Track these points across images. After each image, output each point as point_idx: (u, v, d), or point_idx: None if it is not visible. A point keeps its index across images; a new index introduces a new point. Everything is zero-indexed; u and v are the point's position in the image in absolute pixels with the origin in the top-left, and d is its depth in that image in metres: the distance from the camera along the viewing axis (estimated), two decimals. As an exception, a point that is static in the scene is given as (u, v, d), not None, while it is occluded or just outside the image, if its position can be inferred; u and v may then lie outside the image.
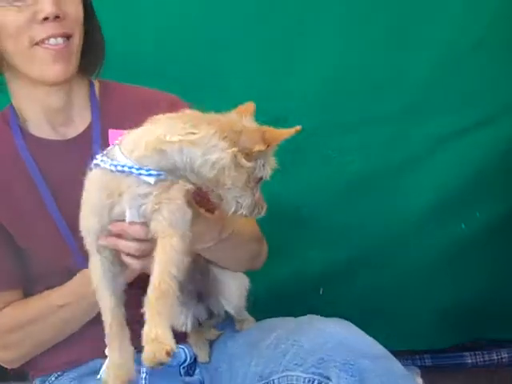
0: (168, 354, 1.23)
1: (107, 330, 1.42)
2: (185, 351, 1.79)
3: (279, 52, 2.34)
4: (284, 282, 2.49)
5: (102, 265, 1.41)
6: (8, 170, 1.73)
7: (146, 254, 1.36)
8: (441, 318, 2.63)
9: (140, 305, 1.27)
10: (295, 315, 2.05)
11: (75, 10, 1.65)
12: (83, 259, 1.61)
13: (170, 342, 1.24)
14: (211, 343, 1.83)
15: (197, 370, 1.81)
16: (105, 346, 1.64)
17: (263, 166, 1.41)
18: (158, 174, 1.31)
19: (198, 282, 1.69)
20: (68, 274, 1.69)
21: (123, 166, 1.31)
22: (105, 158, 1.35)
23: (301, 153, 2.36)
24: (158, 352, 1.23)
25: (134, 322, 1.34)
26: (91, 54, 1.77)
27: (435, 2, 2.36)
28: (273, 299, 2.38)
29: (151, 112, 1.73)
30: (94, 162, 1.37)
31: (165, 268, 1.29)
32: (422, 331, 2.66)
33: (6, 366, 1.86)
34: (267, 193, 2.24)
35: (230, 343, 1.77)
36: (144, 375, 1.65)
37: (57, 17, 1.59)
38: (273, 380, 1.56)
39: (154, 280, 1.29)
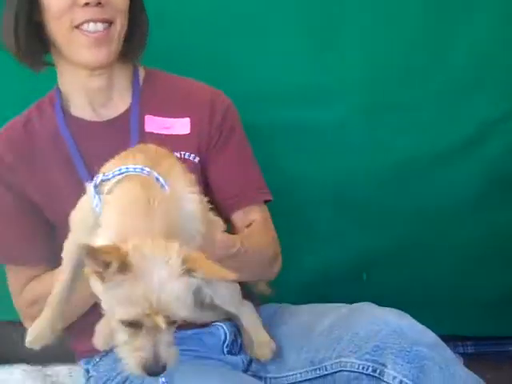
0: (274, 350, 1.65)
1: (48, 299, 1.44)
2: (224, 329, 1.79)
3: (323, 29, 2.26)
4: (328, 267, 2.46)
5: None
6: (48, 148, 1.78)
7: None
8: (486, 305, 2.56)
9: None
10: (338, 300, 2.04)
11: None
12: None
13: (272, 341, 1.69)
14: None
15: (242, 350, 1.81)
16: None
17: None
18: None
19: None
20: None
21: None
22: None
23: (347, 134, 2.33)
24: (266, 352, 1.72)
25: None
26: (134, 41, 1.80)
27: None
28: (317, 284, 2.42)
29: (190, 104, 1.79)
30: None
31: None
32: (466, 317, 2.60)
33: None
34: (311, 175, 2.33)
35: (282, 328, 1.79)
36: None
37: (99, 3, 1.64)
38: (325, 366, 1.60)
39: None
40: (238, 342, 1.81)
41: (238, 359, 1.78)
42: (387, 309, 1.63)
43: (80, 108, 1.82)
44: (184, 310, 1.20)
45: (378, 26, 2.25)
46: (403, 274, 2.47)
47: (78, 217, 1.43)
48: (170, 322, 1.20)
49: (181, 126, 1.82)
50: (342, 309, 1.71)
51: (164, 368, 1.20)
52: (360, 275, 2.51)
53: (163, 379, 1.47)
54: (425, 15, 2.28)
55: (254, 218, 1.85)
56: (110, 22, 1.68)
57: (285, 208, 1.96)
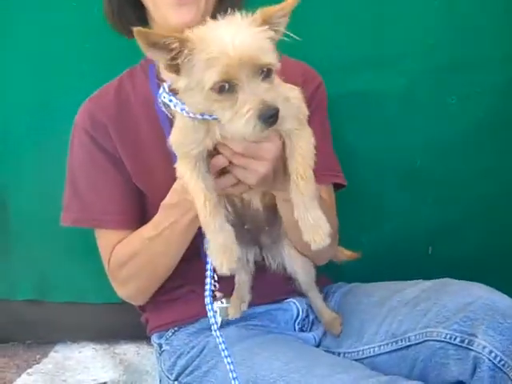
0: (329, 235, 1.34)
1: (202, 216, 1.37)
2: (296, 305, 1.78)
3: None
4: (393, 239, 2.40)
5: (196, 167, 1.39)
6: (139, 112, 1.78)
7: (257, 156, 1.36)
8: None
9: None
10: (403, 273, 2.00)
11: None
12: None
13: (327, 226, 1.34)
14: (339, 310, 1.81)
15: (314, 327, 1.80)
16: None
17: None
18: None
19: (261, 229, 1.65)
20: None
21: None
22: None
23: (414, 100, 2.26)
24: (318, 237, 1.33)
25: None
26: (228, 2, 1.68)
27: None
28: (381, 256, 2.32)
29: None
30: None
31: (307, 161, 1.36)
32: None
33: (132, 303, 1.91)
34: (377, 146, 2.25)
35: (359, 307, 1.75)
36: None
37: None
38: (408, 337, 1.57)
39: (298, 169, 1.35)
40: (309, 319, 1.80)
41: (310, 336, 1.77)
42: (474, 283, 1.59)
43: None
44: (269, 54, 1.20)
45: None
46: (468, 247, 2.41)
47: (176, 138, 1.41)
48: (261, 70, 1.19)
49: None
50: (423, 283, 1.68)
51: (275, 110, 1.18)
52: (426, 249, 2.46)
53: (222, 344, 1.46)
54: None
55: None
56: None
57: (349, 182, 1.91)
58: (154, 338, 1.88)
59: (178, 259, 1.73)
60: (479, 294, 1.50)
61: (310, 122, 1.77)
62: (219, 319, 1.69)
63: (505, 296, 1.52)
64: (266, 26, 1.22)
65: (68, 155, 1.83)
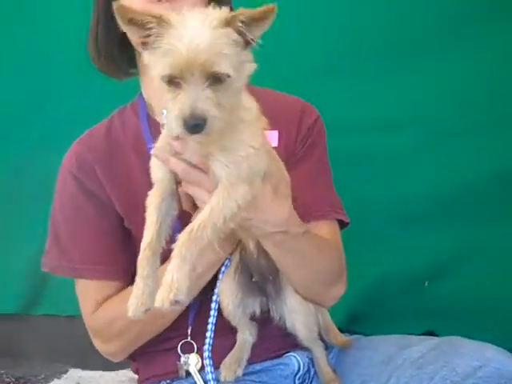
0: (174, 303, 1.20)
1: (139, 256, 1.34)
2: (297, 359, 1.71)
3: (390, 69, 2.46)
4: (390, 275, 2.52)
5: (161, 191, 1.38)
6: (130, 153, 1.72)
7: (194, 182, 1.32)
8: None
9: None
10: (401, 305, 2.25)
11: None
12: None
13: (182, 291, 1.21)
14: (340, 363, 1.74)
15: (314, 382, 1.72)
16: (219, 358, 1.62)
17: None
18: None
19: (266, 279, 1.60)
20: None
21: None
22: None
23: (417, 159, 2.49)
24: (166, 297, 1.20)
25: None
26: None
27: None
28: (380, 291, 2.50)
29: (280, 118, 1.69)
30: None
31: (211, 216, 1.26)
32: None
33: (111, 359, 1.82)
34: (378, 196, 2.45)
35: (362, 362, 1.67)
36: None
37: None
38: None
39: (193, 222, 1.26)
40: (310, 374, 1.73)
41: None
42: (484, 343, 1.51)
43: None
44: (223, 62, 1.16)
45: (441, 68, 2.45)
46: (462, 281, 2.53)
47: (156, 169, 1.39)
48: (210, 76, 1.15)
49: (269, 138, 1.76)
50: (431, 340, 1.59)
51: (202, 120, 1.14)
52: (423, 283, 2.56)
53: None
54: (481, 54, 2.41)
55: (321, 234, 1.73)
56: None
57: (353, 224, 1.89)
58: (146, 389, 1.78)
59: (175, 316, 1.65)
60: (489, 356, 1.43)
61: (306, 159, 1.76)
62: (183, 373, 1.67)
63: None
64: (231, 28, 1.18)
65: (54, 198, 1.76)
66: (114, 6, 1.19)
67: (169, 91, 1.19)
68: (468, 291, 2.50)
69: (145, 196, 1.61)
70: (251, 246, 1.52)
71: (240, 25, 1.18)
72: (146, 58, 1.23)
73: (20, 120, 2.83)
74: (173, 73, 1.17)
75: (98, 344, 1.75)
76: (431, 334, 2.42)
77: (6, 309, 2.87)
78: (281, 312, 1.62)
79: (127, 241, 1.69)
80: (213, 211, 1.26)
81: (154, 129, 1.70)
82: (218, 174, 1.28)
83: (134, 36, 1.23)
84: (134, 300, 1.32)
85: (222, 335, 1.60)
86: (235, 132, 1.28)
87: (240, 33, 1.19)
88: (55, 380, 2.77)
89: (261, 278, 1.58)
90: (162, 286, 1.22)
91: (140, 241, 1.60)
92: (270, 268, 1.57)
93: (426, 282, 2.54)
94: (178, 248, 1.24)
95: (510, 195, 2.44)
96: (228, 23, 1.18)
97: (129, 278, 1.63)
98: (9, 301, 2.86)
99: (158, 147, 1.36)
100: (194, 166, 1.31)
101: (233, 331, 1.65)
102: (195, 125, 1.15)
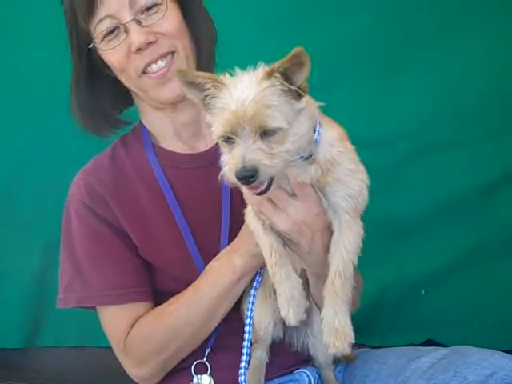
0: (350, 345, 1.30)
1: (269, 267, 1.40)
2: (307, 374, 1.70)
3: (377, 86, 2.53)
4: (387, 286, 2.58)
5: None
6: (136, 180, 1.72)
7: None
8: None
9: None
10: (400, 315, 2.31)
11: (171, 25, 1.60)
12: None
13: (351, 335, 1.31)
14: (347, 377, 1.73)
15: None
16: (232, 377, 1.59)
17: None
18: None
19: None
20: None
21: None
22: None
23: (403, 173, 2.59)
24: (340, 343, 1.29)
25: None
26: (202, 51, 1.70)
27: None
28: (378, 302, 2.54)
29: None
30: None
31: (350, 257, 1.33)
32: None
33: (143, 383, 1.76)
34: (369, 211, 2.49)
35: (372, 376, 1.66)
36: None
37: (150, 43, 1.57)
38: None
39: (338, 266, 1.32)
40: None
41: None
42: (494, 351, 1.49)
43: (168, 141, 1.75)
44: (271, 114, 1.20)
45: (426, 84, 2.54)
46: (457, 288, 2.61)
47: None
48: (263, 131, 1.20)
49: None
50: (439, 350, 1.57)
51: (254, 170, 1.18)
52: (420, 291, 2.62)
53: None
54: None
55: None
56: (172, 52, 1.61)
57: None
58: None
59: (212, 328, 1.63)
60: (500, 364, 1.41)
61: None
62: None
63: None
64: (276, 79, 1.23)
65: (63, 231, 1.72)
66: (176, 72, 1.30)
67: (223, 147, 1.25)
68: (464, 297, 2.56)
69: (157, 225, 1.67)
70: (297, 272, 1.50)
71: (279, 76, 1.22)
72: (208, 118, 1.30)
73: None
74: (225, 130, 1.22)
75: (129, 368, 1.70)
76: (432, 342, 2.48)
77: (7, 343, 2.82)
78: (303, 337, 1.63)
79: (147, 264, 1.69)
80: (348, 251, 1.34)
81: (160, 158, 1.73)
82: (338, 203, 1.34)
83: (193, 97, 1.30)
84: (288, 306, 1.36)
85: (231, 352, 1.60)
86: (339, 163, 1.34)
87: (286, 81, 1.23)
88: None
89: None
90: (330, 333, 1.31)
91: (159, 268, 1.66)
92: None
93: (424, 291, 2.60)
94: (332, 293, 1.31)
95: (497, 204, 2.55)
96: (270, 75, 1.22)
97: (154, 298, 1.67)
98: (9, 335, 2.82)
99: None
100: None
101: (238, 348, 1.61)
102: (247, 176, 1.19)
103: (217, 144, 1.68)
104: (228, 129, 1.22)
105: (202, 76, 1.27)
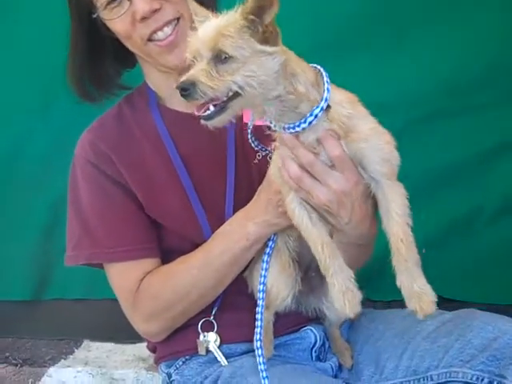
0: (435, 305, 1.31)
1: (322, 261, 1.39)
2: (313, 332, 1.74)
3: (381, 52, 2.55)
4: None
5: (296, 200, 1.42)
6: (141, 138, 1.73)
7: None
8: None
9: None
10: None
11: None
12: (211, 233, 1.65)
13: (433, 293, 1.32)
14: (353, 335, 1.78)
15: (329, 355, 1.76)
16: (238, 334, 1.68)
17: None
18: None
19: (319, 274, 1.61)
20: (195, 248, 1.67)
21: None
22: None
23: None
24: (425, 305, 1.30)
25: None
26: None
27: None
28: (384, 255, 2.49)
29: None
30: None
31: (404, 220, 1.35)
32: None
33: (151, 340, 1.83)
34: None
35: (376, 335, 1.71)
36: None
37: (155, 10, 1.57)
38: (431, 375, 1.49)
39: (398, 232, 1.34)
40: (325, 347, 1.77)
41: (327, 365, 1.72)
42: (498, 315, 1.52)
43: (175, 101, 1.75)
44: (225, 43, 1.23)
45: (427, 54, 2.56)
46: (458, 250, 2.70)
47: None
48: (214, 55, 1.23)
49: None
50: (444, 314, 1.60)
51: (190, 85, 1.22)
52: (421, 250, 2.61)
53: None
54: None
55: None
56: (177, 19, 1.61)
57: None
58: (163, 367, 1.82)
59: (220, 291, 1.67)
60: (504, 328, 1.44)
61: None
62: (204, 350, 1.70)
63: None
64: (240, 15, 1.25)
65: (70, 190, 1.75)
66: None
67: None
68: (463, 257, 2.65)
69: (163, 183, 1.68)
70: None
71: (247, 13, 1.23)
72: None
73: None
74: (189, 55, 1.27)
75: (138, 323, 1.74)
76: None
77: (15, 295, 2.92)
78: (317, 304, 1.66)
79: (154, 221, 1.71)
80: (400, 215, 1.35)
81: (165, 117, 1.74)
82: (376, 169, 1.35)
83: None
84: (343, 299, 1.36)
85: (237, 310, 1.65)
86: (359, 121, 1.35)
87: (250, 22, 1.24)
88: (62, 361, 2.79)
89: (316, 272, 1.59)
90: (414, 297, 1.31)
91: (165, 225, 1.68)
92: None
93: (424, 250, 2.61)
94: (402, 261, 1.33)
95: (495, 171, 2.61)
96: (246, 14, 1.23)
97: (160, 255, 1.70)
98: (16, 287, 2.91)
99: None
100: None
101: (244, 306, 1.66)
102: (183, 88, 1.22)
103: None
104: (191, 51, 1.27)
105: (200, 12, 1.35)
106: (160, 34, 1.60)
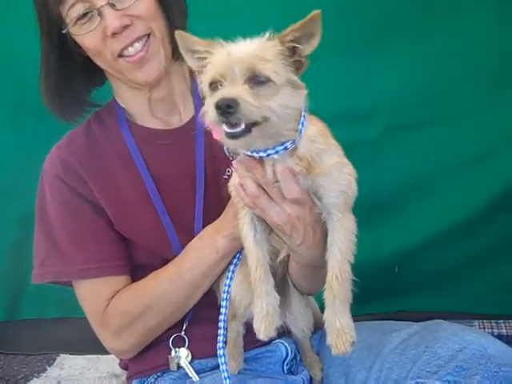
0: (352, 345, 1.32)
1: (252, 279, 1.41)
2: (285, 345, 1.74)
3: (359, 62, 2.53)
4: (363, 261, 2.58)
5: (248, 217, 1.43)
6: (111, 155, 1.73)
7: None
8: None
9: None
10: (373, 290, 2.28)
11: (146, 7, 1.61)
12: (181, 248, 1.65)
13: (353, 334, 1.33)
14: (325, 349, 1.72)
15: (300, 368, 1.77)
16: (209, 349, 1.65)
17: None
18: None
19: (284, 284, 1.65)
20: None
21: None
22: None
23: (382, 148, 2.63)
24: (341, 344, 1.31)
25: None
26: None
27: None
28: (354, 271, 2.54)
29: None
30: None
31: (345, 257, 1.34)
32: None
33: (122, 357, 1.82)
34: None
35: None
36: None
37: (126, 26, 1.57)
38: None
39: (334, 268, 1.33)
40: (297, 359, 1.77)
41: (298, 379, 1.73)
42: (464, 326, 1.55)
43: (143, 117, 1.76)
44: (259, 63, 1.18)
45: (407, 59, 2.55)
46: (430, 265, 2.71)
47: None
48: (252, 75, 1.18)
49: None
50: (411, 326, 1.63)
51: (233, 102, 1.14)
52: (393, 268, 2.70)
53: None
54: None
55: None
56: (148, 35, 1.62)
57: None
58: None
59: (191, 305, 1.67)
60: (469, 339, 1.46)
61: None
62: (175, 366, 1.70)
63: (496, 341, 1.48)
64: (280, 43, 1.22)
65: (37, 206, 1.73)
66: (176, 33, 1.30)
67: (209, 96, 1.22)
68: (436, 273, 2.66)
69: (133, 201, 1.68)
70: (282, 255, 1.53)
71: (294, 38, 1.22)
72: (200, 81, 1.29)
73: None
74: (216, 71, 1.21)
75: (107, 340, 1.73)
76: (402, 312, 2.65)
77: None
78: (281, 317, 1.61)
79: (123, 238, 1.71)
80: (342, 252, 1.34)
81: (135, 134, 1.74)
82: (330, 201, 1.34)
83: (192, 64, 1.31)
84: (261, 322, 1.37)
85: (208, 324, 1.63)
86: (325, 156, 1.33)
87: (290, 49, 1.23)
88: (34, 379, 2.77)
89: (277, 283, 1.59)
90: (333, 333, 1.32)
91: (134, 242, 1.68)
92: (282, 275, 1.61)
93: (396, 268, 2.68)
94: (330, 296, 1.33)
95: (471, 181, 2.60)
96: (280, 40, 1.22)
97: (131, 272, 1.70)
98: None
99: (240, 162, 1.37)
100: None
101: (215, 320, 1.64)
102: (226, 105, 1.14)
103: (192, 119, 1.73)
104: (219, 70, 1.20)
105: (201, 44, 1.27)
106: (130, 50, 1.60)
